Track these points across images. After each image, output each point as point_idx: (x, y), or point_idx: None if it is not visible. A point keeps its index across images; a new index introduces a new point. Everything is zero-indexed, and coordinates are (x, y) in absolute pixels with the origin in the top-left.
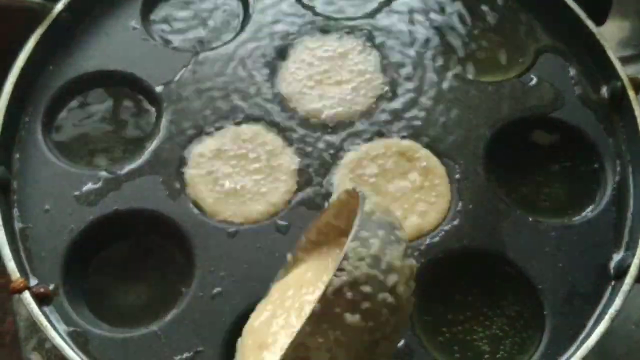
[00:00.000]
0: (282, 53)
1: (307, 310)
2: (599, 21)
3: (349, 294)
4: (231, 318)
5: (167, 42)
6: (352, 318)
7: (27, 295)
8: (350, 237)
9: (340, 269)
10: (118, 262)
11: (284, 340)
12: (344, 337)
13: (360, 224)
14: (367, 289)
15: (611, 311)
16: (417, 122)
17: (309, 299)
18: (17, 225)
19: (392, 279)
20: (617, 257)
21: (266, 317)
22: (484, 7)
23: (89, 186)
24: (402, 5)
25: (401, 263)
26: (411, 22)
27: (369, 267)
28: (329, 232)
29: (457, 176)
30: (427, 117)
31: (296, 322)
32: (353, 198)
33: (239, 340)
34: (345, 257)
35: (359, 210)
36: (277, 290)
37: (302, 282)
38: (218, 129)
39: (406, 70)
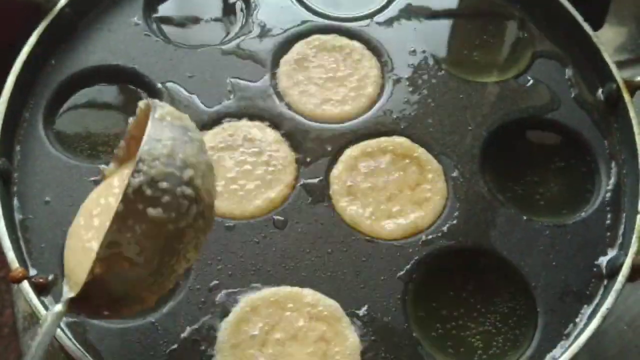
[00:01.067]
0: (281, 51)
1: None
2: (596, 26)
3: (149, 191)
4: (227, 310)
5: (168, 38)
6: (154, 211)
7: (26, 285)
8: (143, 141)
9: (137, 171)
10: None
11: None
12: (150, 229)
13: (152, 129)
14: (164, 184)
15: (603, 309)
16: (414, 121)
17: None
18: (18, 216)
19: (187, 173)
20: (610, 256)
21: (84, 222)
22: (482, 10)
23: (90, 179)
24: (400, 7)
25: (196, 159)
26: (409, 23)
27: (164, 165)
28: (132, 144)
29: (453, 174)
30: (424, 117)
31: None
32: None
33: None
34: (141, 160)
35: (150, 118)
36: (91, 200)
37: (108, 192)
38: (217, 124)
39: (403, 70)
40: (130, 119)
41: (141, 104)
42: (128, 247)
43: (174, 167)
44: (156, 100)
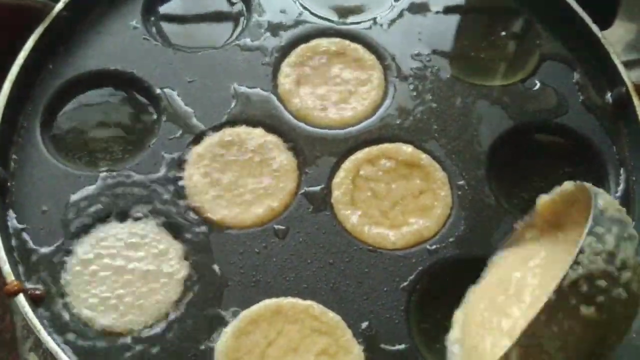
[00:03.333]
0: (283, 55)
1: (533, 298)
2: (605, 26)
3: (585, 287)
4: (227, 323)
5: (167, 42)
6: (587, 310)
7: (21, 298)
8: (586, 231)
9: (576, 262)
10: None
11: (510, 323)
12: (578, 328)
13: (595, 220)
14: (602, 283)
15: None
16: (418, 127)
17: (533, 282)
18: (13, 226)
19: (625, 275)
20: None
21: (490, 299)
22: (488, 12)
23: (87, 187)
24: (404, 9)
25: (634, 261)
26: (414, 25)
27: (605, 262)
28: (563, 219)
29: (459, 182)
30: (428, 122)
31: (522, 311)
32: (581, 192)
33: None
34: (582, 251)
35: (591, 206)
36: (501, 267)
37: (524, 267)
38: (217, 129)
39: (408, 75)
40: (558, 190)
41: (570, 185)
42: (550, 341)
43: (614, 266)
44: (594, 188)
